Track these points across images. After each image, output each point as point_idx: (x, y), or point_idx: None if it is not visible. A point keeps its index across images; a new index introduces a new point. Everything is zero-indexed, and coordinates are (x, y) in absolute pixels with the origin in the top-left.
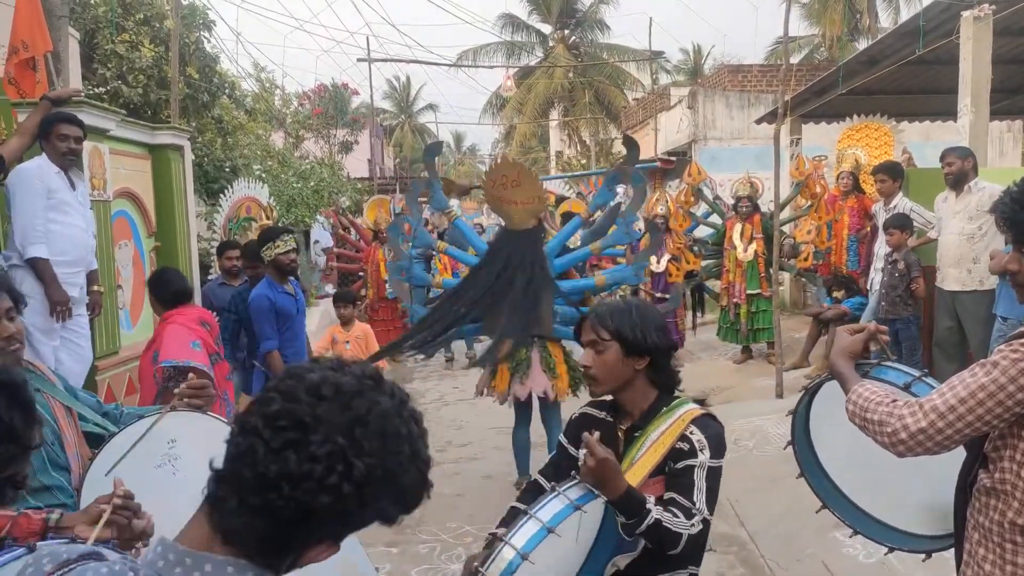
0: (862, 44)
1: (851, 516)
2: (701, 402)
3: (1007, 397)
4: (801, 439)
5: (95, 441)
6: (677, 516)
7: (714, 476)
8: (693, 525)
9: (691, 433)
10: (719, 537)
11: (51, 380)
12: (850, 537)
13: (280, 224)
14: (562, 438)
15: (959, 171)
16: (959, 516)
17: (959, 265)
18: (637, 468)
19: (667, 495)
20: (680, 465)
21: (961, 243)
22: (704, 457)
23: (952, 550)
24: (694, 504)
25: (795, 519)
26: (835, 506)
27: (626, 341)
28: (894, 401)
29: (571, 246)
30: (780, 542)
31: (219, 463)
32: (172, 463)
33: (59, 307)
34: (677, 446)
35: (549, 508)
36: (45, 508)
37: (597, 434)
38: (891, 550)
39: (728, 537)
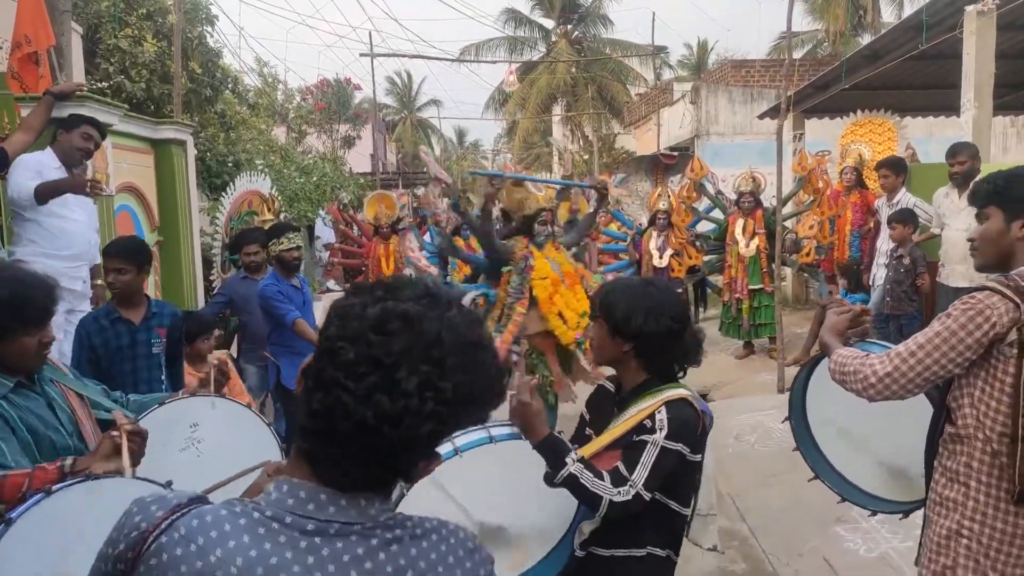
0: (865, 39)
1: (839, 485)
2: (703, 396)
3: (959, 342)
4: (798, 415)
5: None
6: (602, 480)
7: (665, 456)
8: (619, 493)
9: (658, 412)
10: (721, 532)
11: (62, 370)
12: (838, 503)
13: (283, 216)
14: (584, 409)
15: (970, 169)
16: (928, 469)
17: (966, 261)
18: (604, 437)
19: (616, 464)
20: (637, 439)
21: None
22: (659, 436)
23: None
24: (630, 475)
25: (796, 514)
26: (825, 475)
27: (610, 321)
28: (867, 355)
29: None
30: (781, 537)
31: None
32: (196, 446)
33: (87, 186)
34: (643, 422)
35: (469, 435)
36: (60, 458)
37: (534, 381)
38: (874, 513)
39: (729, 532)
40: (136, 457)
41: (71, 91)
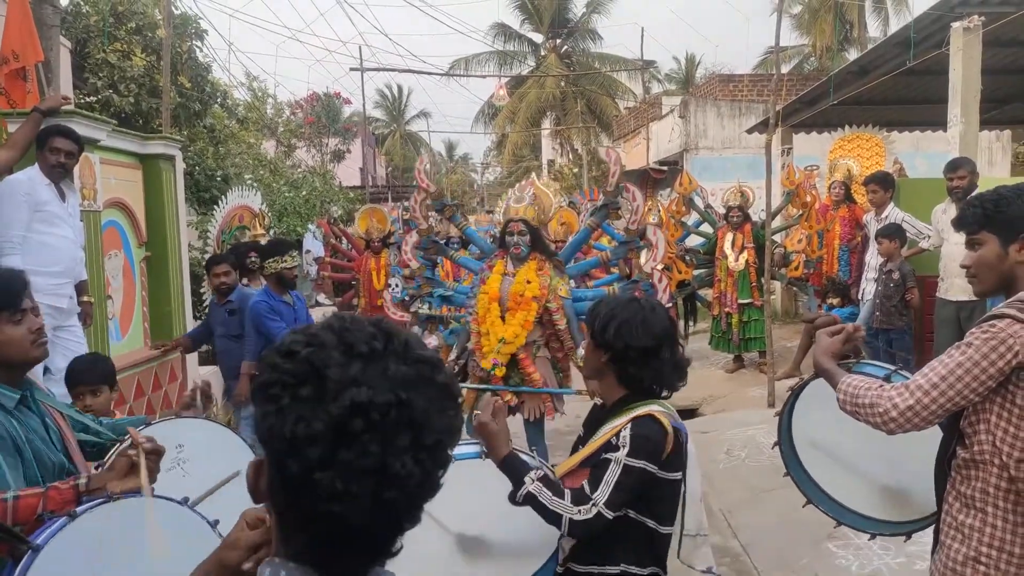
0: (852, 54)
1: (833, 509)
2: (693, 411)
3: (981, 372)
4: (786, 439)
5: (91, 455)
6: (562, 499)
7: (628, 474)
8: (580, 512)
9: (624, 429)
10: (712, 549)
11: (42, 388)
12: (835, 528)
13: (272, 231)
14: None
15: (970, 184)
16: (939, 492)
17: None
18: (578, 454)
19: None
20: (603, 457)
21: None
22: (621, 453)
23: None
24: (592, 494)
25: (789, 530)
26: (818, 500)
27: (590, 329)
28: (881, 386)
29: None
30: (773, 553)
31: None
32: (181, 466)
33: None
34: (611, 440)
35: (465, 447)
36: (72, 477)
37: (498, 400)
38: (873, 536)
39: (721, 548)
40: (152, 475)
41: (57, 106)
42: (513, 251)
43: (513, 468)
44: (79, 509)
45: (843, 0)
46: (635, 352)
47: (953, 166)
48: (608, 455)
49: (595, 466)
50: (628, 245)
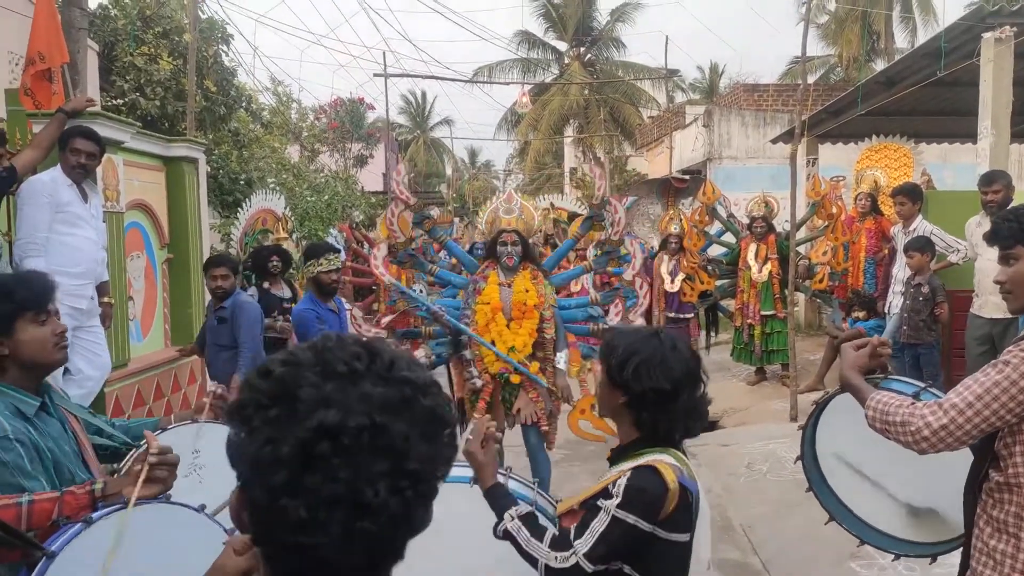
0: (879, 65)
1: (857, 528)
2: (714, 423)
3: (1019, 392)
4: (809, 454)
5: (104, 457)
6: (540, 541)
7: (615, 526)
8: (556, 558)
9: (622, 477)
10: (731, 564)
11: (59, 391)
12: (858, 547)
13: (294, 236)
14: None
15: (1005, 199)
16: (968, 515)
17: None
18: (579, 496)
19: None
20: (595, 503)
21: None
22: (611, 503)
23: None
24: (574, 542)
25: (810, 546)
26: (842, 518)
27: (606, 366)
28: (913, 403)
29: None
30: (794, 570)
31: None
32: (197, 472)
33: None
34: (608, 487)
35: (458, 470)
36: (88, 482)
37: (489, 428)
38: (897, 557)
39: (740, 565)
40: (168, 482)
41: (82, 108)
42: (505, 261)
43: (496, 501)
44: (95, 515)
45: (870, 10)
46: (652, 395)
47: (989, 179)
48: (600, 502)
49: (588, 511)
50: (609, 255)
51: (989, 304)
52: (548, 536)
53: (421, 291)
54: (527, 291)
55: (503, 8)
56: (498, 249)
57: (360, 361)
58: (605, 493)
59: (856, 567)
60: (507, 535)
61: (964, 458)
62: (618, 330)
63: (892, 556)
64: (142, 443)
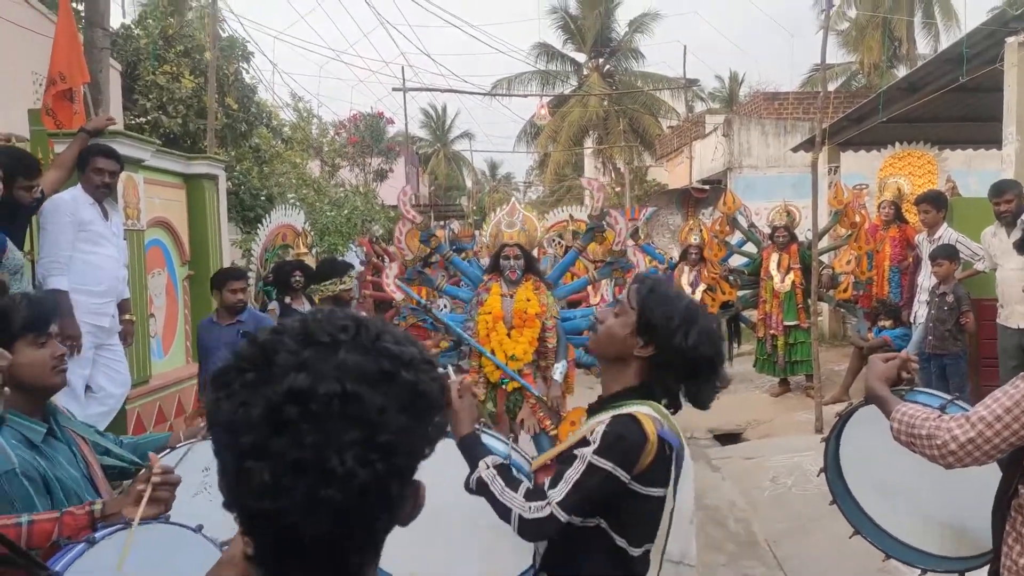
0: (901, 71)
1: (882, 541)
2: (738, 436)
3: None
4: (832, 466)
5: (113, 475)
6: (515, 492)
7: (591, 474)
8: (531, 509)
9: (600, 424)
10: None
11: (64, 412)
12: (883, 561)
13: (315, 250)
14: None
15: (1018, 208)
16: (997, 532)
17: None
18: (554, 450)
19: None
20: (572, 452)
21: None
22: (588, 450)
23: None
24: (549, 491)
25: (837, 562)
26: (867, 532)
27: (644, 316)
28: (940, 416)
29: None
30: None
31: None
32: (208, 490)
33: (70, 341)
34: (587, 436)
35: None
36: (87, 502)
37: (467, 378)
38: (924, 572)
39: None
40: (168, 503)
41: (103, 127)
42: (508, 274)
43: (470, 450)
44: (98, 535)
45: (891, 17)
46: (700, 363)
47: (998, 190)
48: (578, 450)
49: (564, 461)
50: (613, 265)
51: (1016, 314)
52: (523, 487)
53: (445, 306)
54: (528, 300)
55: (521, 21)
56: (501, 263)
57: (345, 332)
58: (583, 442)
59: None
60: (480, 485)
61: (994, 471)
62: (657, 282)
63: (919, 572)
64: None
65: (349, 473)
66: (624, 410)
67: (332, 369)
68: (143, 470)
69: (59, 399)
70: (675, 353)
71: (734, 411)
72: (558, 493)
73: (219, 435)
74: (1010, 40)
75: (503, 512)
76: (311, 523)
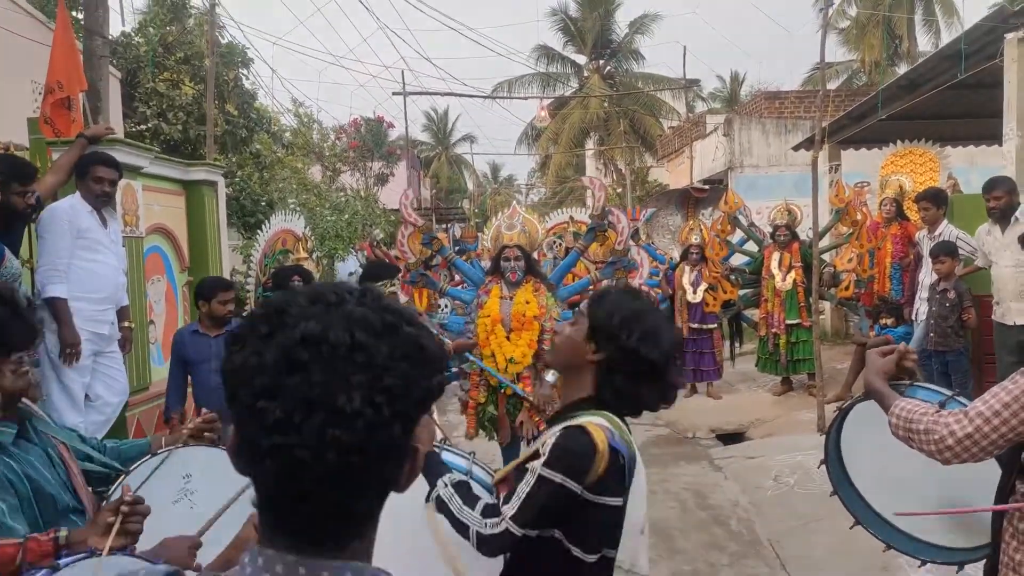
0: (902, 69)
1: (884, 532)
2: (740, 435)
3: None
4: (833, 458)
5: (97, 481)
6: (472, 509)
7: (540, 487)
8: (487, 525)
9: (551, 436)
10: None
11: (43, 417)
12: (884, 552)
13: (314, 255)
14: None
15: (1007, 205)
16: (996, 528)
17: (1022, 298)
18: (513, 462)
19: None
20: (525, 466)
21: (1019, 275)
22: (538, 463)
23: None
24: (503, 507)
25: (840, 562)
26: (868, 523)
27: (594, 320)
28: (938, 411)
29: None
30: None
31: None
32: (189, 497)
33: (69, 349)
34: (539, 449)
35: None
36: (52, 529)
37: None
38: (924, 563)
39: None
40: (135, 535)
41: (102, 135)
42: (509, 276)
43: (431, 469)
44: (62, 562)
45: (892, 14)
46: (640, 364)
47: (989, 186)
48: (530, 464)
49: (519, 475)
50: (615, 265)
51: (1012, 311)
52: (480, 504)
53: (446, 306)
54: (527, 303)
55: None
56: (502, 264)
57: (351, 294)
58: (535, 455)
59: None
60: (439, 503)
61: (994, 464)
62: (608, 290)
63: (919, 563)
64: (111, 490)
65: (356, 412)
66: (576, 421)
67: (341, 320)
68: (111, 500)
69: (60, 407)
70: (620, 353)
71: (736, 411)
72: (511, 508)
73: (233, 380)
74: (1009, 36)
75: (462, 529)
76: (319, 459)
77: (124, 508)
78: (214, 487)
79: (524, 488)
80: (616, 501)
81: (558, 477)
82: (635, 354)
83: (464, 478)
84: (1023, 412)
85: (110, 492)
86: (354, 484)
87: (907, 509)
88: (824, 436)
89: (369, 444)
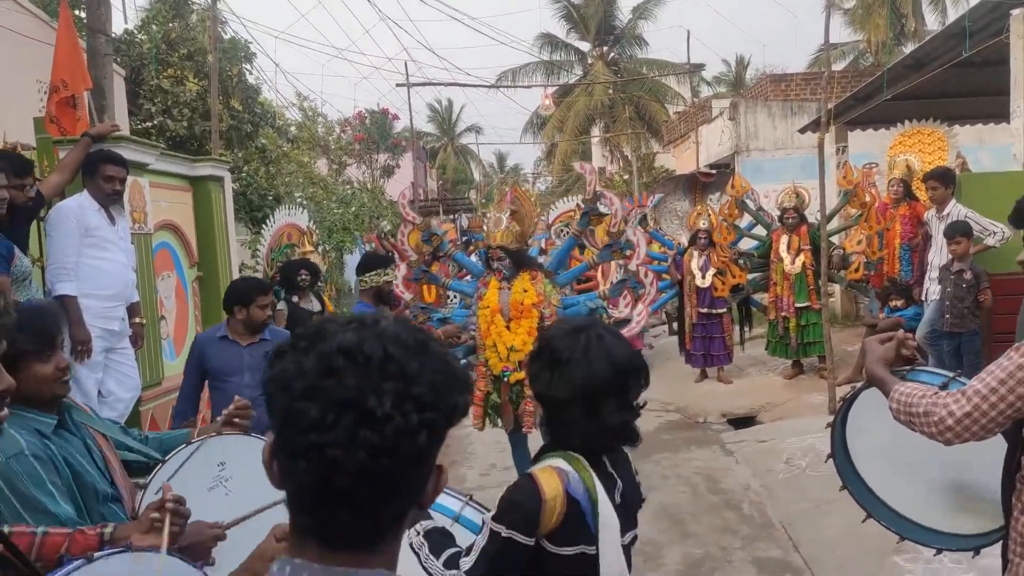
0: (909, 49)
1: (895, 523)
2: (752, 419)
3: None
4: (841, 452)
5: (138, 470)
6: (437, 559)
7: (493, 542)
8: None
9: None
10: (772, 563)
11: (84, 410)
12: (897, 543)
13: (321, 248)
14: None
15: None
16: (1006, 505)
17: None
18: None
19: None
20: (484, 520)
21: None
22: (488, 516)
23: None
24: (462, 559)
25: (853, 543)
26: (879, 515)
27: (527, 376)
28: (936, 393)
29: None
30: (837, 568)
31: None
32: (224, 484)
33: (80, 346)
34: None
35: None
36: (99, 524)
37: None
38: (939, 551)
39: (782, 563)
40: (176, 537)
41: (107, 132)
42: (499, 275)
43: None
44: (96, 554)
45: None
46: (558, 400)
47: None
48: (487, 517)
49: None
50: (611, 248)
51: None
52: (446, 555)
53: (454, 297)
54: (525, 291)
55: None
56: (491, 264)
57: (386, 319)
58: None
59: (901, 561)
60: (412, 549)
61: (1003, 445)
62: (558, 323)
63: (934, 552)
64: (159, 490)
65: (386, 416)
66: (535, 467)
67: (375, 335)
68: (149, 488)
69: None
70: (540, 399)
71: (747, 394)
72: (468, 561)
73: (273, 387)
74: (1015, 12)
75: None
76: (350, 458)
77: (170, 506)
78: (249, 474)
79: (480, 541)
80: (588, 549)
81: (504, 531)
82: (546, 397)
83: (444, 523)
84: (1020, 387)
85: (148, 480)
86: (383, 487)
87: (913, 495)
88: (829, 429)
89: (398, 448)
